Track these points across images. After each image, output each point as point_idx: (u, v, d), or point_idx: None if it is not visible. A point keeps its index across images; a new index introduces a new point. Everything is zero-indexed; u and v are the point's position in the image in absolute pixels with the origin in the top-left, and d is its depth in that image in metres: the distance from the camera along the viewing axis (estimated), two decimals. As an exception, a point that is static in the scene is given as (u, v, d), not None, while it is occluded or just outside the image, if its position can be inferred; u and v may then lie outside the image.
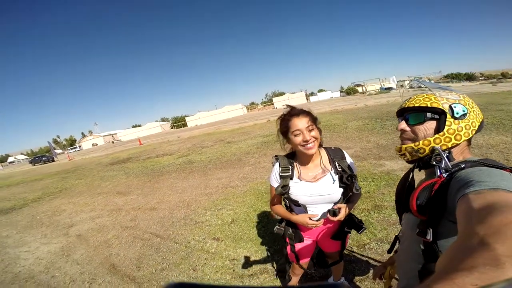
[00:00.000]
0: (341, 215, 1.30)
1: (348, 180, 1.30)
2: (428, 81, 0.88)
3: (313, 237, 1.54)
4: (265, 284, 2.20)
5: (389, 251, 1.14)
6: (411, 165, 0.90)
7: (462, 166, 0.66)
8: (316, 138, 1.26)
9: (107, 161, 14.44)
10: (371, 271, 2.08)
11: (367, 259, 2.23)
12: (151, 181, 7.20)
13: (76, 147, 62.01)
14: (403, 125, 0.84)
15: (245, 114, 50.94)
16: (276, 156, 1.44)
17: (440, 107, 0.75)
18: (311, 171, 1.35)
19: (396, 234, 1.08)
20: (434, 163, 0.72)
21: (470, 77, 67.85)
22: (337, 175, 1.33)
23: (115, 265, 2.98)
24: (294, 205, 1.42)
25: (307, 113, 1.29)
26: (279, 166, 1.39)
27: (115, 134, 66.66)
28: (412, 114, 0.82)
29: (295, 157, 1.41)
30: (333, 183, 1.32)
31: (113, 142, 53.72)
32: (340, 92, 65.41)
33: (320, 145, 1.39)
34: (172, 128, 61.91)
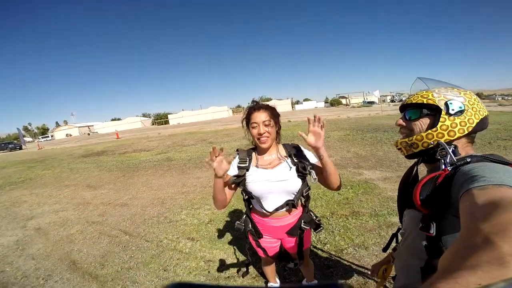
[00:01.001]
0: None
1: (304, 169, 1.31)
2: (429, 78, 0.86)
3: (272, 234, 1.51)
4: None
5: (384, 250, 1.14)
6: (408, 166, 0.91)
7: (467, 160, 0.66)
8: (270, 134, 1.32)
9: (80, 153, 13.67)
10: (355, 274, 2.05)
11: (345, 264, 2.20)
12: (125, 176, 6.83)
13: (47, 136, 58.50)
14: (400, 120, 0.86)
15: (230, 117, 50.82)
16: (237, 149, 1.49)
17: (436, 104, 0.76)
18: (266, 161, 1.40)
19: (393, 233, 1.10)
20: (439, 157, 0.71)
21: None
22: (294, 166, 1.35)
23: (76, 261, 2.71)
24: (250, 198, 1.46)
25: (268, 108, 1.35)
26: (238, 158, 1.43)
27: (92, 126, 63.84)
28: (410, 110, 0.83)
29: (256, 149, 1.46)
30: (290, 170, 1.35)
31: (88, 134, 51.34)
32: (325, 102, 67.32)
33: (279, 141, 1.46)
34: (153, 124, 60.38)
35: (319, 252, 2.39)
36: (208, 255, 2.59)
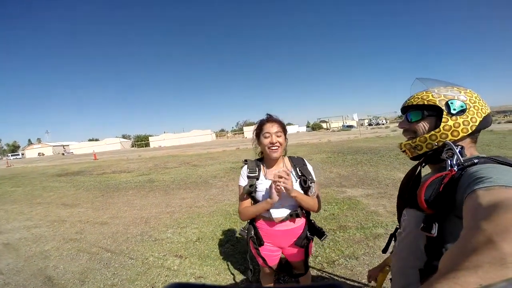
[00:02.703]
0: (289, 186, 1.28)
1: (305, 184, 1.43)
2: (428, 78, 0.87)
3: (275, 243, 1.53)
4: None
5: (384, 251, 1.12)
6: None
7: (475, 161, 0.64)
8: (281, 144, 1.41)
9: (54, 172, 12.91)
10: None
11: (338, 274, 2.23)
12: (104, 196, 6.51)
13: (18, 154, 54.86)
14: (403, 123, 0.86)
15: (213, 140, 50.40)
16: (245, 160, 1.56)
17: (436, 104, 0.75)
18: (273, 173, 1.41)
19: (391, 233, 1.07)
20: (445, 157, 0.69)
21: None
22: (298, 179, 1.45)
23: (52, 277, 2.52)
24: None
25: (280, 122, 1.47)
26: (247, 168, 1.50)
27: (67, 145, 60.80)
28: (412, 112, 0.82)
29: (262, 160, 1.54)
30: (295, 182, 1.43)
31: (63, 154, 48.63)
32: (307, 127, 69.18)
33: (285, 154, 1.56)
34: (133, 146, 58.56)
35: (311, 264, 2.40)
36: (198, 271, 2.50)
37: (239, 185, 1.50)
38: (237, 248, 2.89)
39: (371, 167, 6.84)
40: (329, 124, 66.05)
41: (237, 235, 3.22)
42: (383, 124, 53.81)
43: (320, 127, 62.53)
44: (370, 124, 54.45)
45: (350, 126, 48.06)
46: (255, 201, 1.47)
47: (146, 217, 4.43)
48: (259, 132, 1.46)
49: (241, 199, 1.50)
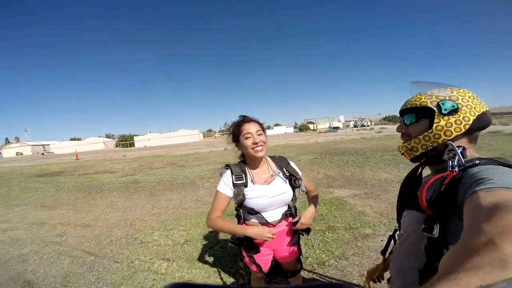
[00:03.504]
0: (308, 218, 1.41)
1: (295, 183, 1.42)
2: (422, 81, 0.88)
3: (269, 245, 1.49)
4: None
5: (382, 252, 1.12)
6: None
7: (476, 162, 0.64)
8: (264, 142, 1.36)
9: (33, 172, 12.34)
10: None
11: (329, 275, 2.25)
12: (86, 197, 6.28)
13: (-7, 154, 52.07)
14: (400, 127, 0.88)
15: (200, 141, 49.54)
16: (226, 165, 1.45)
17: (428, 105, 0.76)
18: (261, 176, 1.41)
19: (390, 234, 1.07)
20: (447, 158, 0.69)
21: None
22: (287, 179, 1.43)
23: (32, 282, 2.40)
24: (249, 215, 1.41)
25: (257, 121, 1.43)
26: (232, 174, 1.38)
27: (48, 145, 58.34)
28: (407, 115, 0.84)
29: (245, 164, 1.45)
30: (286, 183, 1.42)
31: (42, 154, 46.61)
32: (294, 128, 69.82)
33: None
34: (117, 146, 56.82)
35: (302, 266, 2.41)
36: (187, 275, 2.45)
37: (218, 191, 1.37)
38: (227, 250, 2.85)
39: (357, 168, 6.97)
40: (316, 125, 67.03)
41: (228, 236, 3.18)
42: (368, 125, 54.88)
43: (307, 128, 63.22)
44: (355, 126, 55.39)
45: (337, 128, 48.69)
46: (246, 209, 1.39)
47: (131, 219, 4.30)
48: (237, 134, 1.39)
49: (217, 207, 1.37)
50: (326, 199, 4.47)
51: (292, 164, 1.53)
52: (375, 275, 1.20)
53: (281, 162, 1.51)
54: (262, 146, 1.35)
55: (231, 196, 1.37)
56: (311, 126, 66.93)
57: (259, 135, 1.35)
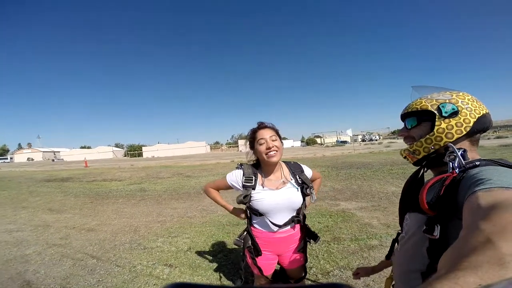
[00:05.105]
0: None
1: (307, 192, 1.43)
2: (423, 86, 0.90)
3: (274, 250, 1.48)
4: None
5: (387, 257, 1.10)
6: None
7: (476, 163, 0.64)
8: (278, 147, 1.37)
9: (42, 177, 12.59)
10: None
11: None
12: (93, 203, 6.33)
13: (6, 158, 53.60)
14: (401, 131, 0.88)
15: (207, 153, 49.96)
16: (241, 164, 1.50)
17: (429, 109, 0.77)
18: (273, 181, 1.43)
19: (393, 238, 1.05)
20: (448, 160, 0.70)
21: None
22: (299, 187, 1.44)
23: (31, 282, 2.40)
24: (254, 216, 1.45)
25: (272, 127, 1.45)
26: (243, 175, 1.43)
27: (58, 152, 59.73)
28: (408, 119, 0.85)
29: (259, 167, 1.48)
30: (297, 191, 1.42)
31: (53, 160, 47.67)
32: (301, 142, 69.42)
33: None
34: (125, 156, 57.67)
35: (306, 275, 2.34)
36: (188, 281, 2.40)
37: (226, 177, 1.47)
38: (230, 258, 2.80)
39: (365, 181, 6.86)
40: (323, 139, 66.51)
41: (232, 245, 3.13)
42: (376, 140, 54.48)
43: (315, 142, 62.82)
44: (363, 140, 54.94)
45: (344, 142, 48.27)
46: (251, 209, 1.43)
47: (135, 225, 4.29)
48: (252, 141, 1.42)
49: (217, 183, 1.55)
50: (332, 211, 4.40)
51: (305, 169, 1.55)
52: (363, 275, 1.21)
53: (295, 169, 1.51)
54: (276, 151, 1.36)
55: (232, 188, 1.47)
56: (318, 140, 66.42)
57: (273, 140, 1.37)
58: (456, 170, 0.65)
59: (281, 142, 1.44)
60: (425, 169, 0.83)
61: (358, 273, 1.25)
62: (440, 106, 0.75)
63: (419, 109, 0.79)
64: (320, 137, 69.52)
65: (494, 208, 0.42)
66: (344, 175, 8.33)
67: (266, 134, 1.37)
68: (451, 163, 0.68)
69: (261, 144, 1.36)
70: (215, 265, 2.69)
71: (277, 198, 1.37)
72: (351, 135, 24.34)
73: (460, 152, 0.68)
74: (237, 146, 58.90)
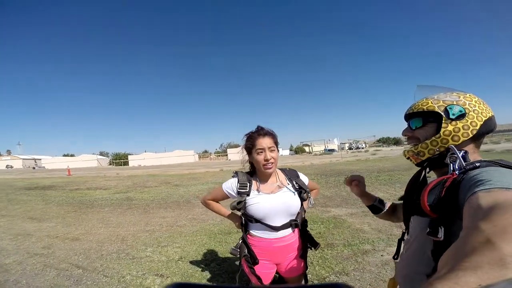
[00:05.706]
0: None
1: (304, 196, 1.42)
2: (428, 85, 0.87)
3: (272, 259, 1.42)
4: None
5: (394, 257, 1.06)
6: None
7: (477, 164, 0.64)
8: (275, 159, 1.36)
9: (22, 185, 12.03)
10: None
11: None
12: (77, 211, 6.09)
13: (-18, 165, 50.93)
14: (406, 131, 0.87)
15: (196, 161, 49.29)
16: (236, 172, 1.47)
17: (436, 110, 0.75)
18: (268, 186, 1.41)
19: (399, 238, 1.03)
20: (449, 162, 0.70)
21: (397, 142, 75.38)
22: (296, 192, 1.42)
23: (13, 294, 2.24)
24: (249, 222, 1.41)
25: (272, 135, 1.41)
26: (238, 182, 1.41)
27: (39, 159, 57.40)
28: (413, 119, 0.83)
29: (254, 174, 1.46)
30: (294, 195, 1.40)
31: (33, 168, 45.70)
32: (290, 150, 69.80)
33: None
34: (110, 164, 56.11)
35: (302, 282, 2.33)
36: (180, 290, 2.33)
37: (222, 186, 1.45)
38: (224, 267, 2.74)
39: (354, 188, 6.93)
40: (312, 147, 67.33)
41: (225, 254, 3.07)
42: (362, 148, 55.45)
43: (303, 151, 63.43)
44: (350, 148, 55.97)
45: (332, 150, 49.01)
46: (246, 216, 1.40)
47: (123, 235, 4.15)
48: (250, 147, 1.38)
49: (213, 194, 1.51)
50: (324, 217, 4.43)
51: (302, 176, 1.53)
52: (355, 190, 1.22)
53: (291, 175, 1.50)
54: (273, 163, 1.35)
55: (229, 197, 1.44)
56: (306, 149, 67.10)
57: (271, 151, 1.34)
58: (456, 172, 0.65)
59: (278, 150, 1.41)
60: (427, 169, 0.82)
61: (351, 181, 1.21)
62: (448, 108, 0.74)
63: (425, 109, 0.78)
64: (309, 145, 70.34)
65: (494, 209, 0.42)
66: (333, 182, 8.44)
67: (265, 143, 1.34)
68: (451, 165, 0.68)
69: (259, 154, 1.33)
70: (208, 274, 2.62)
71: (273, 202, 1.34)
72: (338, 144, 24.78)
73: (461, 154, 0.68)
74: (226, 155, 58.45)
